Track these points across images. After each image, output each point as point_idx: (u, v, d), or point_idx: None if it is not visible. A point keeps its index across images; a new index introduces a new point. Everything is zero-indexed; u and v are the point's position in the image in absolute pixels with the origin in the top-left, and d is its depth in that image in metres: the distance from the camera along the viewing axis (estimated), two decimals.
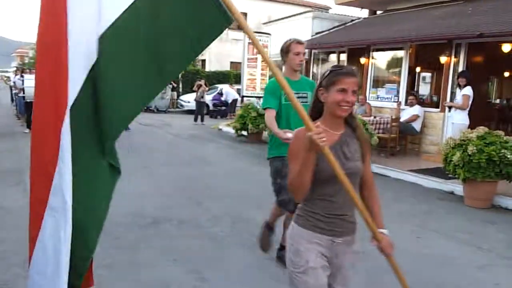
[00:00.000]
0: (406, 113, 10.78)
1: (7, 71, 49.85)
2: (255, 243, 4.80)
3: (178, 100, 23.61)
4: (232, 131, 13.33)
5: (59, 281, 1.66)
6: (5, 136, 12.60)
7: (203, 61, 28.69)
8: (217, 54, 27.65)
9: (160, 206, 6.05)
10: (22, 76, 14.48)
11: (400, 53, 12.05)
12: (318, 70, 15.82)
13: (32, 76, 14.16)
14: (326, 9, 27.92)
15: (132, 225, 5.25)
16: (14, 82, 15.53)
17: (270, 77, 16.75)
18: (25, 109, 13.77)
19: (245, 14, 25.87)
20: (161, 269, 4.16)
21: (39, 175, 1.77)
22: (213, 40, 1.87)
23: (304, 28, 16.12)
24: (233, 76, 25.47)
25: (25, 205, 5.82)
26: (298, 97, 3.70)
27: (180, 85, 25.07)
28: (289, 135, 3.60)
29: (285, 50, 4.01)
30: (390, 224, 4.28)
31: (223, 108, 21.15)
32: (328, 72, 2.18)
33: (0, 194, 6.49)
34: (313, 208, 2.20)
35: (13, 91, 17.36)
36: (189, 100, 21.69)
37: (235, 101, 20.19)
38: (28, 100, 13.32)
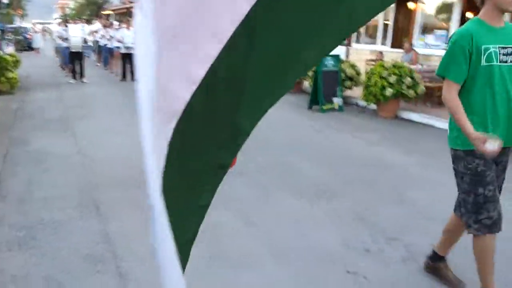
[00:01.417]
0: None
1: (49, 23, 50.49)
2: (301, 191, 4.80)
3: None
4: None
5: None
6: (51, 86, 12.93)
7: None
8: None
9: None
10: (66, 26, 14.55)
11: None
12: None
13: (76, 26, 14.21)
14: None
15: None
16: (58, 32, 15.61)
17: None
18: (70, 60, 13.89)
19: None
20: (212, 213, 4.19)
21: None
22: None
23: None
24: None
25: (73, 151, 6.01)
26: (505, 54, 2.64)
27: None
28: (491, 146, 2.42)
29: None
30: (441, 175, 4.16)
31: None
32: None
33: (49, 141, 6.71)
34: None
35: (57, 42, 17.53)
36: None
37: None
38: (73, 50, 13.38)
